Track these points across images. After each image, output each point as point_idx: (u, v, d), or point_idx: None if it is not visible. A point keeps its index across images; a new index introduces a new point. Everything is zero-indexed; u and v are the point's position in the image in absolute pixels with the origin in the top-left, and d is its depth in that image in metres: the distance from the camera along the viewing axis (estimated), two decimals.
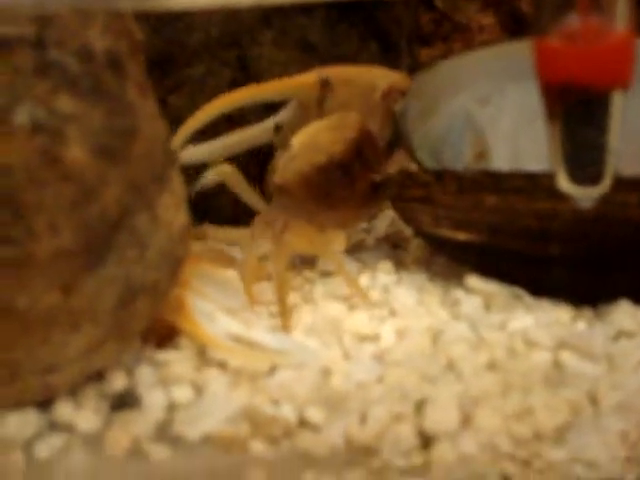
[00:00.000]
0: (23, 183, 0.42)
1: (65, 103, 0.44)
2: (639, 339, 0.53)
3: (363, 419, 0.46)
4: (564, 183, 0.47)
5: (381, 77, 0.68)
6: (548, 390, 0.48)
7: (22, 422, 0.46)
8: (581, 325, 0.55)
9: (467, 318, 0.56)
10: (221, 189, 0.69)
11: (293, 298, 0.59)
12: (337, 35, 0.74)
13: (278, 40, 0.72)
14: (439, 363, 0.51)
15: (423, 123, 0.66)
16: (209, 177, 0.69)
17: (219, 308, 0.54)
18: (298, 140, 0.63)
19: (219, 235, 0.67)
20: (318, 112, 0.67)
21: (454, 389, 0.48)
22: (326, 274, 0.63)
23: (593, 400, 0.48)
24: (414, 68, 0.77)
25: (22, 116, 0.43)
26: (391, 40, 0.77)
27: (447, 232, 0.59)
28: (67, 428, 0.46)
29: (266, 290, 0.58)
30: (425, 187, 0.59)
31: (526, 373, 0.49)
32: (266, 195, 0.68)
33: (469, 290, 0.58)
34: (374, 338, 0.54)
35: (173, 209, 0.48)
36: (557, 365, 0.51)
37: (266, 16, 0.72)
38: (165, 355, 0.51)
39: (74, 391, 0.48)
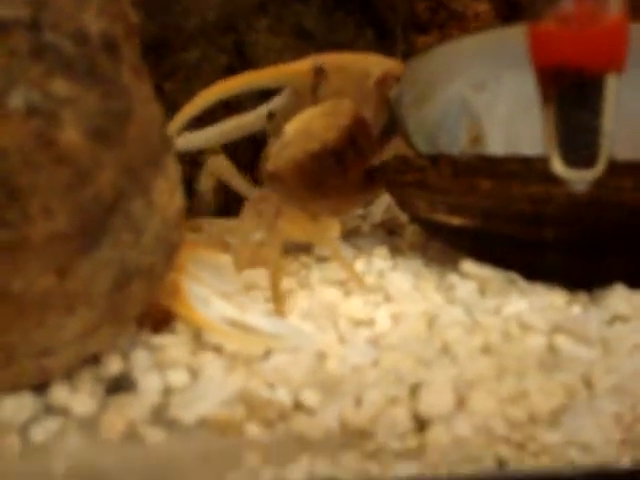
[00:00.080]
0: (18, 166, 0.42)
1: (60, 86, 0.44)
2: (634, 323, 0.53)
3: (358, 402, 0.46)
4: (558, 166, 0.47)
5: (376, 64, 0.68)
6: (543, 374, 0.48)
7: (18, 406, 0.46)
8: (576, 309, 0.55)
9: (462, 303, 0.56)
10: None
11: (289, 283, 0.59)
12: (333, 22, 0.74)
13: (274, 27, 0.72)
14: (434, 347, 0.51)
15: (418, 109, 0.66)
16: (206, 182, 0.69)
17: (214, 292, 0.54)
18: (291, 127, 0.63)
19: (214, 227, 0.67)
20: (312, 99, 0.67)
21: (449, 373, 0.48)
22: (322, 259, 0.63)
23: (588, 383, 0.48)
24: (410, 55, 0.77)
25: (17, 99, 0.43)
26: (387, 27, 0.77)
27: (442, 217, 0.59)
28: (63, 412, 0.46)
29: (262, 275, 0.58)
30: (421, 171, 0.59)
31: (521, 357, 0.50)
32: (259, 183, 0.68)
33: (464, 275, 0.58)
34: (369, 322, 0.54)
35: (168, 194, 0.48)
36: (552, 349, 0.51)
37: (262, 2, 0.72)
38: (161, 339, 0.51)
39: (70, 375, 0.48)
